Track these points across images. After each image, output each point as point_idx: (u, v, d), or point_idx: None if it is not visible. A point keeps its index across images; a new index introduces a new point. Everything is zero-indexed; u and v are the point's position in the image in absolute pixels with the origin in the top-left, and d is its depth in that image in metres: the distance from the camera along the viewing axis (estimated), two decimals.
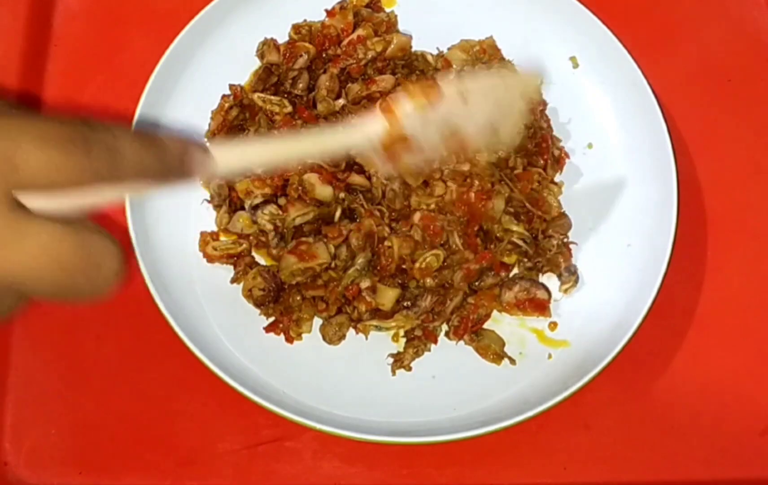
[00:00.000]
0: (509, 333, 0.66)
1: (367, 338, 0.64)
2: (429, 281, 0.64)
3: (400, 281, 0.65)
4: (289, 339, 0.64)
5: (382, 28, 0.74)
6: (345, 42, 0.72)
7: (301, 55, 0.71)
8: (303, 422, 0.58)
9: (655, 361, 0.67)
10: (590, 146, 0.73)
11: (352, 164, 0.68)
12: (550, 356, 0.65)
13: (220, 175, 0.46)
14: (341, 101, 0.70)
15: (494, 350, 0.64)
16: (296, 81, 0.71)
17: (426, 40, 0.75)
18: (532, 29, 0.75)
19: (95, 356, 0.65)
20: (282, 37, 0.74)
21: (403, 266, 0.65)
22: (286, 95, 0.71)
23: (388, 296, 0.63)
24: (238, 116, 0.71)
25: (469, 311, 0.65)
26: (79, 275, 0.37)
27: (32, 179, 0.35)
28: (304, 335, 0.65)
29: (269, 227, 0.65)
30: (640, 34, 0.76)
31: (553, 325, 0.66)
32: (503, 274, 0.67)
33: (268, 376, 0.62)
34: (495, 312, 0.66)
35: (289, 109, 0.70)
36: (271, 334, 0.65)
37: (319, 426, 0.58)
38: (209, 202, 0.69)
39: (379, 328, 0.64)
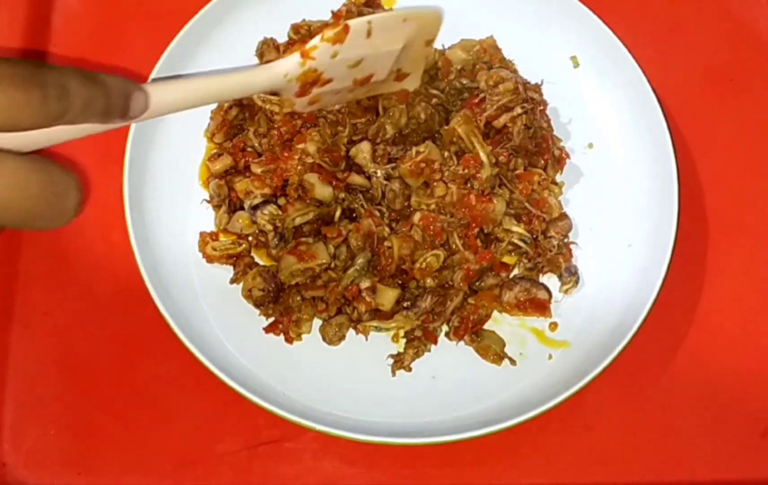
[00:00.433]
0: (509, 334, 0.66)
1: (367, 338, 0.64)
2: (429, 281, 0.64)
3: (399, 282, 0.65)
4: (289, 340, 0.64)
5: None
6: None
7: None
8: (303, 422, 0.57)
9: (656, 362, 0.67)
10: (590, 146, 0.73)
11: (352, 164, 0.68)
12: (550, 356, 0.65)
13: (155, 114, 0.48)
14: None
15: (494, 351, 0.64)
16: None
17: None
18: (533, 29, 0.75)
19: (95, 357, 0.65)
20: (282, 37, 0.74)
21: (403, 267, 0.65)
22: None
23: (387, 296, 0.63)
24: (238, 116, 0.70)
25: (470, 312, 0.65)
26: (44, 205, 0.39)
27: None
28: (304, 336, 0.65)
29: (269, 227, 0.65)
30: (641, 33, 0.76)
31: (553, 325, 0.66)
32: (503, 274, 0.67)
33: (268, 376, 0.62)
34: (495, 313, 0.66)
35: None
36: (271, 334, 0.65)
37: (319, 427, 0.58)
38: (208, 202, 0.69)
39: (379, 329, 0.64)
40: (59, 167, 0.41)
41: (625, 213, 0.69)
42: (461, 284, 0.65)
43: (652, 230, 0.66)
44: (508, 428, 0.58)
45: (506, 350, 0.65)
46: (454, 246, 0.65)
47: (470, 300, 0.65)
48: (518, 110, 0.68)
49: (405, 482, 0.62)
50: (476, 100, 0.70)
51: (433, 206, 0.66)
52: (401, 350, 0.64)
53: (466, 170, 0.64)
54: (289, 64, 0.57)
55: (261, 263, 0.67)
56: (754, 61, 0.79)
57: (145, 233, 0.63)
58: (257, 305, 0.64)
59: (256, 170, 0.67)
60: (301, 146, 0.67)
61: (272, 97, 0.70)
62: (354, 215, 0.66)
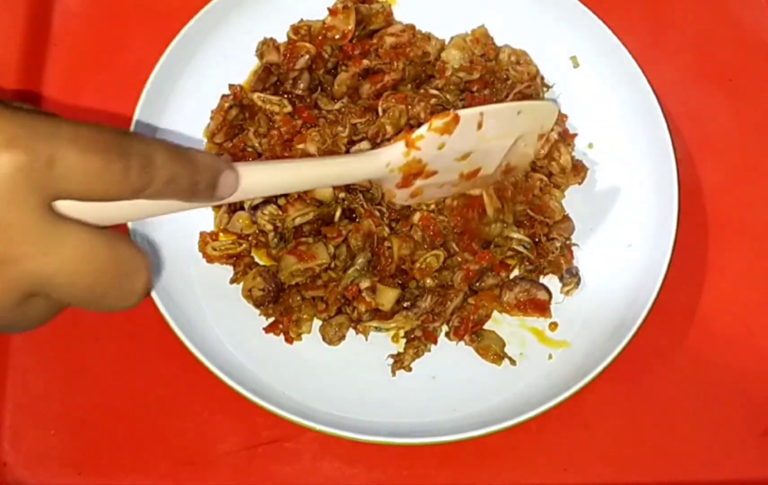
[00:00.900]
0: (509, 334, 0.66)
1: (367, 338, 0.64)
2: (429, 281, 0.64)
3: (399, 282, 0.65)
4: (289, 340, 0.64)
5: (379, 20, 0.73)
6: (384, 49, 0.71)
7: (302, 55, 0.70)
8: (303, 422, 0.57)
9: (656, 362, 0.67)
10: (591, 146, 0.73)
11: None
12: (550, 356, 0.65)
13: (245, 197, 0.46)
14: (339, 104, 0.70)
15: (495, 351, 0.64)
16: (297, 81, 0.71)
17: None
18: (533, 29, 0.75)
19: (95, 357, 0.65)
20: (281, 37, 0.73)
21: (403, 267, 0.65)
22: (285, 95, 0.71)
23: (387, 296, 0.63)
24: (238, 116, 0.70)
25: (470, 312, 0.65)
26: (110, 285, 0.37)
27: (69, 185, 0.34)
28: (304, 336, 0.65)
29: (269, 227, 0.65)
30: (641, 33, 0.76)
31: (553, 325, 0.66)
32: (503, 274, 0.66)
33: (268, 377, 0.62)
34: (495, 313, 0.66)
35: (289, 109, 0.69)
36: (271, 334, 0.65)
37: (318, 427, 0.58)
38: None
39: (379, 329, 0.64)
40: (130, 244, 0.38)
41: (625, 213, 0.69)
42: (461, 284, 0.65)
43: (652, 230, 0.66)
44: (508, 428, 0.58)
45: (506, 350, 0.65)
46: (452, 249, 0.66)
47: (470, 300, 0.65)
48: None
49: (405, 482, 0.62)
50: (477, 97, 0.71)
51: (432, 207, 0.66)
52: (401, 350, 0.64)
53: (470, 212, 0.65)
54: (393, 154, 0.55)
55: (261, 263, 0.67)
56: (754, 61, 0.79)
57: (145, 233, 0.63)
58: (257, 305, 0.64)
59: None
60: (301, 146, 0.67)
61: (272, 98, 0.70)
62: (354, 215, 0.66)
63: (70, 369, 0.64)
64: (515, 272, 0.67)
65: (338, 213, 0.66)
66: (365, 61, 0.71)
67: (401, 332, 0.65)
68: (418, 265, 0.64)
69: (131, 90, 0.67)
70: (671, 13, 0.81)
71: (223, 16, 0.72)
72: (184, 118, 0.70)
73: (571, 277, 0.67)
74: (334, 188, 0.65)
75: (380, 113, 0.68)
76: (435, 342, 0.65)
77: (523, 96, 0.71)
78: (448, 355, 0.65)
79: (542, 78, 0.74)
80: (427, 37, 0.74)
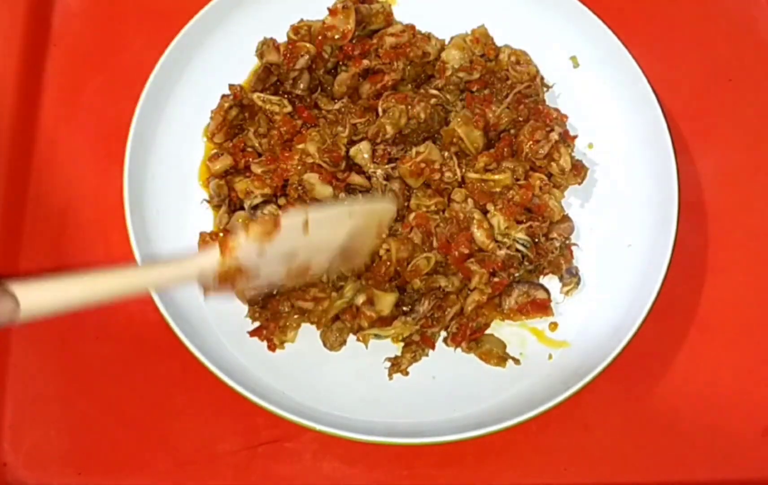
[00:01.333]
0: (509, 334, 0.66)
1: (367, 347, 0.64)
2: (417, 282, 0.64)
3: (397, 285, 0.65)
4: (272, 347, 0.64)
5: (379, 20, 0.73)
6: (384, 49, 0.71)
7: (302, 55, 0.70)
8: (303, 423, 0.57)
9: (656, 362, 0.67)
10: (591, 145, 0.73)
11: (352, 164, 0.68)
12: (550, 356, 0.65)
13: (31, 317, 0.43)
14: (339, 104, 0.70)
15: (497, 354, 0.64)
16: (297, 81, 0.71)
17: None
18: (533, 29, 0.75)
19: (95, 357, 0.65)
20: (281, 37, 0.73)
21: (398, 269, 0.64)
22: (285, 95, 0.71)
23: (386, 301, 0.63)
24: (238, 116, 0.70)
25: (469, 319, 0.64)
26: None
27: None
28: (302, 336, 0.64)
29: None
30: (641, 33, 0.76)
31: (553, 325, 0.66)
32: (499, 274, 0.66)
33: (268, 377, 0.62)
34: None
35: (289, 108, 0.69)
36: None
37: (318, 427, 0.58)
38: (208, 202, 0.69)
39: (378, 336, 0.63)
40: None
41: (625, 213, 0.69)
42: (455, 283, 0.65)
43: (652, 230, 0.66)
44: (508, 428, 0.58)
45: (507, 350, 0.65)
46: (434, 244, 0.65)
47: (469, 306, 0.65)
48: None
49: (405, 482, 0.62)
50: (477, 98, 0.71)
51: (432, 207, 0.66)
52: (400, 353, 0.64)
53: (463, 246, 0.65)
54: (206, 262, 0.53)
55: None
56: (754, 61, 0.79)
57: (145, 233, 0.63)
58: (250, 304, 0.64)
59: (257, 170, 0.67)
60: (301, 146, 0.67)
61: (272, 98, 0.70)
62: None
63: (70, 369, 0.64)
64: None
65: None
66: (365, 62, 0.71)
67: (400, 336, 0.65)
68: (410, 267, 0.64)
69: (132, 90, 0.67)
70: (671, 14, 0.81)
71: (223, 16, 0.72)
72: (184, 118, 0.70)
73: (571, 277, 0.67)
74: (334, 188, 0.65)
75: (380, 113, 0.68)
76: (433, 347, 0.65)
77: (522, 96, 0.71)
78: (448, 356, 0.65)
79: (542, 78, 0.74)
80: (427, 37, 0.74)
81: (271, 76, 0.72)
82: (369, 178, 0.67)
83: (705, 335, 0.68)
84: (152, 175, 0.67)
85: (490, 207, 0.66)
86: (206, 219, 0.68)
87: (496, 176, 0.66)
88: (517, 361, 0.64)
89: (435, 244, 0.65)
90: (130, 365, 0.65)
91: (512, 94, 0.71)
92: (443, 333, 0.65)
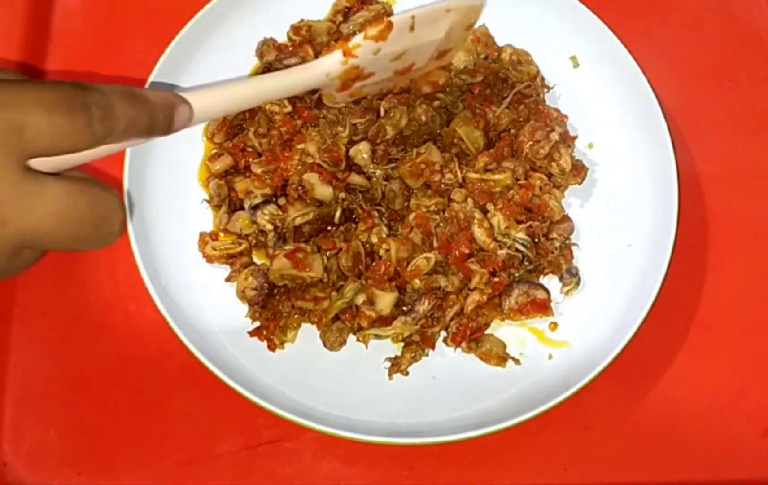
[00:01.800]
0: (509, 334, 0.66)
1: (367, 347, 0.64)
2: (417, 282, 0.64)
3: (396, 284, 0.65)
4: (272, 347, 0.64)
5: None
6: None
7: (296, 55, 0.70)
8: (303, 422, 0.57)
9: (656, 362, 0.67)
10: (591, 146, 0.73)
11: (352, 165, 0.68)
12: (550, 356, 0.65)
13: (199, 122, 0.49)
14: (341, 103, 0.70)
15: (497, 354, 0.64)
16: None
17: None
18: (533, 29, 0.75)
19: (95, 357, 0.65)
20: (282, 37, 0.74)
21: (398, 269, 0.64)
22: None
23: (386, 300, 0.63)
24: (238, 116, 0.70)
25: (469, 319, 0.64)
26: (90, 228, 0.40)
27: (40, 144, 0.37)
28: (301, 337, 0.64)
29: (269, 227, 0.65)
30: (641, 33, 0.76)
31: (553, 325, 0.66)
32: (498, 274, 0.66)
33: (268, 377, 0.62)
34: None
35: (289, 108, 0.69)
36: None
37: (318, 427, 0.58)
38: (208, 202, 0.69)
39: (378, 336, 0.63)
40: (103, 187, 0.41)
41: (625, 213, 0.69)
42: (455, 282, 0.65)
43: (652, 230, 0.66)
44: (508, 428, 0.58)
45: (507, 350, 0.65)
46: (435, 245, 0.65)
47: (469, 305, 0.65)
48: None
49: (405, 482, 0.62)
50: (479, 98, 0.71)
51: (432, 208, 0.66)
52: (399, 353, 0.64)
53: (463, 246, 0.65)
54: (331, 63, 0.58)
55: (259, 263, 0.67)
56: (754, 61, 0.79)
57: (145, 233, 0.63)
58: (251, 304, 0.64)
59: (257, 170, 0.67)
60: (301, 146, 0.67)
61: None
62: (354, 215, 0.66)
63: (70, 368, 0.64)
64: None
65: (338, 213, 0.66)
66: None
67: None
68: (410, 267, 0.64)
69: None
70: (671, 14, 0.81)
71: (223, 16, 0.72)
72: None
73: (571, 277, 0.67)
74: (334, 188, 0.65)
75: (381, 114, 0.68)
76: (433, 347, 0.65)
77: (522, 96, 0.71)
78: (449, 355, 0.65)
79: (542, 78, 0.74)
80: None
81: None
82: (369, 178, 0.67)
83: (705, 335, 0.68)
84: (152, 175, 0.67)
85: (490, 207, 0.66)
86: (206, 219, 0.68)
87: (497, 176, 0.66)
88: (517, 361, 0.64)
89: (435, 244, 0.65)
90: (130, 365, 0.65)
91: (512, 94, 0.71)
92: (443, 333, 0.65)
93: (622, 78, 0.71)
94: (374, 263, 0.64)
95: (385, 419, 0.61)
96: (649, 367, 0.66)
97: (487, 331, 0.66)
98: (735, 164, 0.74)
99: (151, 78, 0.67)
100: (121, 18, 0.78)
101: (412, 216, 0.65)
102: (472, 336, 0.64)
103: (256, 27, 0.73)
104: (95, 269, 0.67)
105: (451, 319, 0.64)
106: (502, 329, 0.66)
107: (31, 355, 0.65)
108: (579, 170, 0.70)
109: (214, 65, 0.72)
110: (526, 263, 0.66)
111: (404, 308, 0.64)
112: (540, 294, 0.66)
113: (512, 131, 0.70)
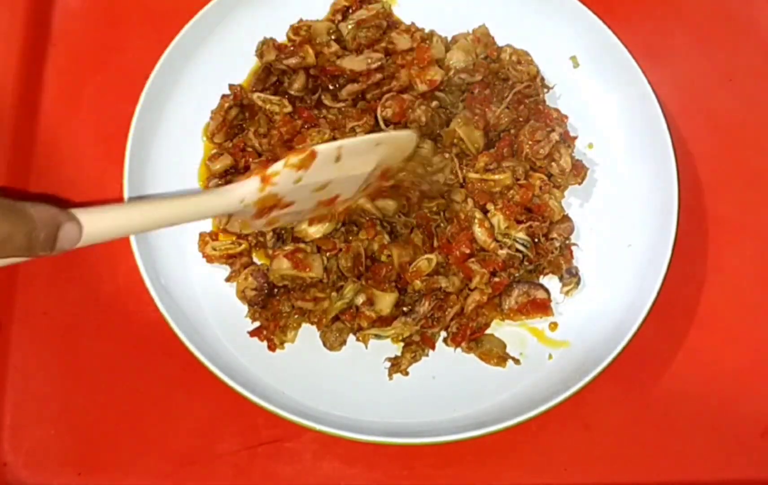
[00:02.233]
0: (509, 334, 0.66)
1: (366, 346, 0.64)
2: (418, 283, 0.64)
3: (397, 286, 0.65)
4: (272, 347, 0.64)
5: (378, 18, 0.73)
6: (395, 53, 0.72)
7: (296, 54, 0.70)
8: (303, 423, 0.57)
9: (656, 362, 0.67)
10: (591, 146, 0.73)
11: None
12: (550, 356, 0.65)
13: (91, 243, 0.45)
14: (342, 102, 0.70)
15: (497, 354, 0.64)
16: (292, 81, 0.71)
17: None
18: (533, 29, 0.75)
19: (95, 357, 0.65)
20: (282, 37, 0.73)
21: (399, 272, 0.65)
22: (285, 95, 0.71)
23: (386, 301, 0.63)
24: (238, 116, 0.70)
25: (469, 319, 0.64)
26: (24, 242, 0.40)
27: None
28: (300, 339, 0.64)
29: (267, 227, 0.65)
30: (641, 33, 0.76)
31: (553, 325, 0.66)
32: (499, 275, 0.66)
33: (268, 377, 0.62)
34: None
35: (289, 108, 0.69)
36: None
37: (318, 427, 0.58)
38: None
39: (378, 336, 0.63)
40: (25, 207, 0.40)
41: (625, 213, 0.69)
42: (456, 282, 0.65)
43: (652, 230, 0.66)
44: (508, 428, 0.58)
45: (507, 350, 0.65)
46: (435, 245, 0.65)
47: (470, 304, 0.65)
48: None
49: (405, 482, 0.62)
50: (479, 98, 0.71)
51: (433, 208, 0.66)
52: (400, 353, 0.64)
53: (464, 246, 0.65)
54: (247, 190, 0.53)
55: (259, 263, 0.67)
56: (754, 61, 0.79)
57: (145, 233, 0.63)
58: (252, 304, 0.64)
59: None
60: (301, 146, 0.67)
61: (272, 98, 0.70)
62: (354, 218, 0.66)
63: (70, 368, 0.64)
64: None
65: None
66: (378, 76, 0.70)
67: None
68: (411, 268, 0.64)
69: (132, 90, 0.67)
70: (671, 14, 0.81)
71: (223, 16, 0.72)
72: (184, 118, 0.70)
73: (571, 277, 0.67)
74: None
75: (378, 116, 0.68)
76: (433, 347, 0.65)
77: (522, 96, 0.71)
78: (449, 355, 0.65)
79: (542, 78, 0.74)
80: (430, 35, 0.74)
81: (271, 76, 0.72)
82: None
83: (705, 335, 0.68)
84: (152, 175, 0.67)
85: (490, 207, 0.66)
86: (206, 219, 0.68)
87: (497, 176, 0.66)
88: (517, 361, 0.64)
89: (436, 244, 0.65)
90: (130, 365, 0.65)
91: (512, 94, 0.71)
92: (443, 333, 0.65)
93: (622, 78, 0.71)
94: (375, 265, 0.64)
95: (385, 419, 0.61)
96: (650, 367, 0.66)
97: (487, 331, 0.66)
98: (735, 164, 0.74)
99: (151, 78, 0.67)
100: (121, 18, 0.78)
101: (412, 216, 0.65)
102: (472, 336, 0.64)
103: (256, 27, 0.73)
104: (95, 269, 0.67)
105: (452, 319, 0.64)
106: (502, 329, 0.66)
107: (31, 355, 0.65)
108: (579, 170, 0.70)
109: (214, 65, 0.72)
110: (526, 263, 0.67)
111: (404, 308, 0.64)
112: (540, 294, 0.66)
113: (512, 131, 0.70)
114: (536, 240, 0.67)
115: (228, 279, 0.66)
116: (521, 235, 0.66)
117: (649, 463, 0.64)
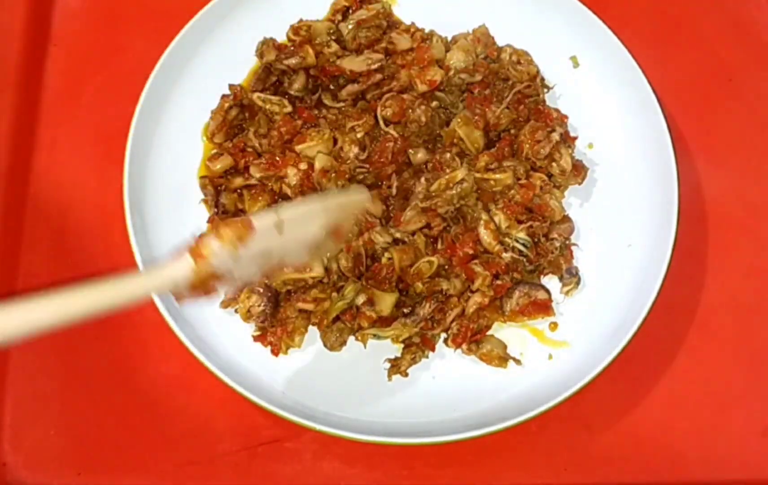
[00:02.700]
0: (510, 334, 0.66)
1: (365, 346, 0.64)
2: (419, 285, 0.64)
3: (398, 287, 0.65)
4: (275, 351, 0.63)
5: (378, 18, 0.73)
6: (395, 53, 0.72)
7: (297, 54, 0.70)
8: (303, 422, 0.57)
9: (656, 362, 0.67)
10: (591, 145, 0.73)
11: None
12: (550, 356, 0.65)
13: (5, 340, 0.43)
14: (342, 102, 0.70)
15: (498, 355, 0.64)
16: (292, 81, 0.71)
17: None
18: (533, 29, 0.75)
19: (95, 357, 0.65)
20: (282, 37, 0.73)
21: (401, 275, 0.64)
22: (285, 95, 0.71)
23: (386, 301, 0.63)
24: (238, 116, 0.70)
25: (470, 321, 0.64)
26: None
27: None
28: (299, 339, 0.64)
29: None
30: (641, 33, 0.76)
31: (553, 326, 0.66)
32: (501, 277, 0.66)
33: (268, 377, 0.62)
34: None
35: (289, 108, 0.69)
36: None
37: (318, 427, 0.58)
38: (205, 202, 0.69)
39: (378, 337, 0.63)
40: None
41: (625, 213, 0.69)
42: (458, 284, 0.65)
43: (652, 230, 0.66)
44: (509, 427, 0.58)
45: (507, 350, 0.65)
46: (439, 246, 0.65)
47: (470, 306, 0.65)
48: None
49: (405, 482, 0.62)
50: (479, 98, 0.71)
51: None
52: (399, 354, 0.64)
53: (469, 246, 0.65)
54: (180, 271, 0.50)
55: None
56: (754, 61, 0.79)
57: (145, 233, 0.63)
58: (261, 320, 0.63)
59: (256, 173, 0.67)
60: (301, 146, 0.67)
61: (272, 98, 0.70)
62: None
63: (70, 368, 0.64)
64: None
65: None
66: (378, 76, 0.70)
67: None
68: (412, 270, 0.64)
69: (132, 90, 0.67)
70: (671, 14, 0.81)
71: (223, 16, 0.72)
72: (184, 118, 0.70)
73: (571, 277, 0.67)
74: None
75: (378, 116, 0.68)
76: (433, 349, 0.65)
77: (522, 96, 0.71)
78: (448, 356, 0.65)
79: (542, 78, 0.74)
80: (430, 35, 0.74)
81: (271, 76, 0.72)
82: None
83: (705, 335, 0.68)
84: (152, 175, 0.67)
85: (491, 206, 0.66)
86: (206, 219, 0.68)
87: (497, 176, 0.66)
88: (518, 362, 0.64)
89: (439, 245, 0.65)
90: (130, 365, 0.65)
91: (512, 94, 0.71)
92: (443, 335, 0.65)
93: (622, 78, 0.71)
94: (375, 265, 0.64)
95: (385, 419, 0.61)
96: (649, 367, 0.66)
97: (488, 332, 0.66)
98: (735, 164, 0.74)
99: (151, 78, 0.67)
100: (121, 18, 0.78)
101: (410, 215, 0.66)
102: (473, 338, 0.64)
103: (256, 27, 0.73)
104: (95, 270, 0.67)
105: (452, 321, 0.64)
106: (502, 330, 0.66)
107: (31, 355, 0.65)
108: (579, 170, 0.70)
109: (214, 65, 0.72)
110: (527, 264, 0.66)
111: (405, 310, 0.64)
112: (541, 295, 0.66)
113: (512, 131, 0.70)
114: (536, 240, 0.67)
115: (224, 305, 0.64)
116: (522, 235, 0.66)
117: (649, 464, 0.64)
